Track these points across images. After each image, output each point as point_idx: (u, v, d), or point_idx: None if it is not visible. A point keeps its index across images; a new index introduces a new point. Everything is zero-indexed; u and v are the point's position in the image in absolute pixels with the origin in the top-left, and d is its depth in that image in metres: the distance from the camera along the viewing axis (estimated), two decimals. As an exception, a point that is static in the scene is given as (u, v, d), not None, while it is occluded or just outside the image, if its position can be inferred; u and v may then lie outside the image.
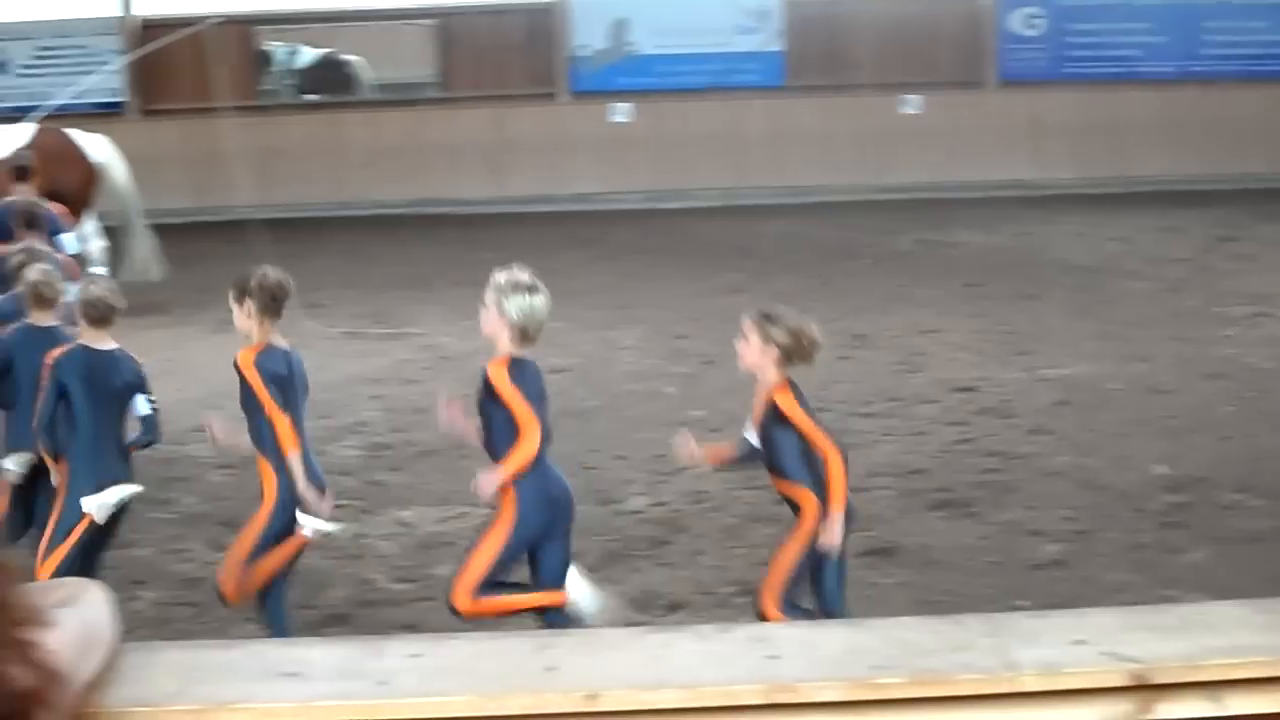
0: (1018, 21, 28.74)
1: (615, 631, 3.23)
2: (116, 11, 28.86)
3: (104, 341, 7.90)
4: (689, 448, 7.37)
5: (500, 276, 7.32)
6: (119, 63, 23.73)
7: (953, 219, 23.37)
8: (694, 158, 28.14)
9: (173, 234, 24.41)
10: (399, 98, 29.89)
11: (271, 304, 8.10)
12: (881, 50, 28.93)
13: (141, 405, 7.88)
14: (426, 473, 10.80)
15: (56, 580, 2.91)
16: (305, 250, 20.48)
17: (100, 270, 17.80)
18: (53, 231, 12.79)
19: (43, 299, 8.75)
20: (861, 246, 21.28)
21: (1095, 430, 11.68)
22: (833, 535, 7.05)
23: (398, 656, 2.86)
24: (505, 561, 7.20)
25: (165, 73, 29.04)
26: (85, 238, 18.06)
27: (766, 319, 7.20)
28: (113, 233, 18.69)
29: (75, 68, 26.75)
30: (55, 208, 13.99)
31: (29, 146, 17.72)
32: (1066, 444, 11.30)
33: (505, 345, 7.27)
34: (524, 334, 7.25)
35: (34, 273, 8.97)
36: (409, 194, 27.61)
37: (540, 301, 7.24)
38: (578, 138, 28.39)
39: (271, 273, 8.22)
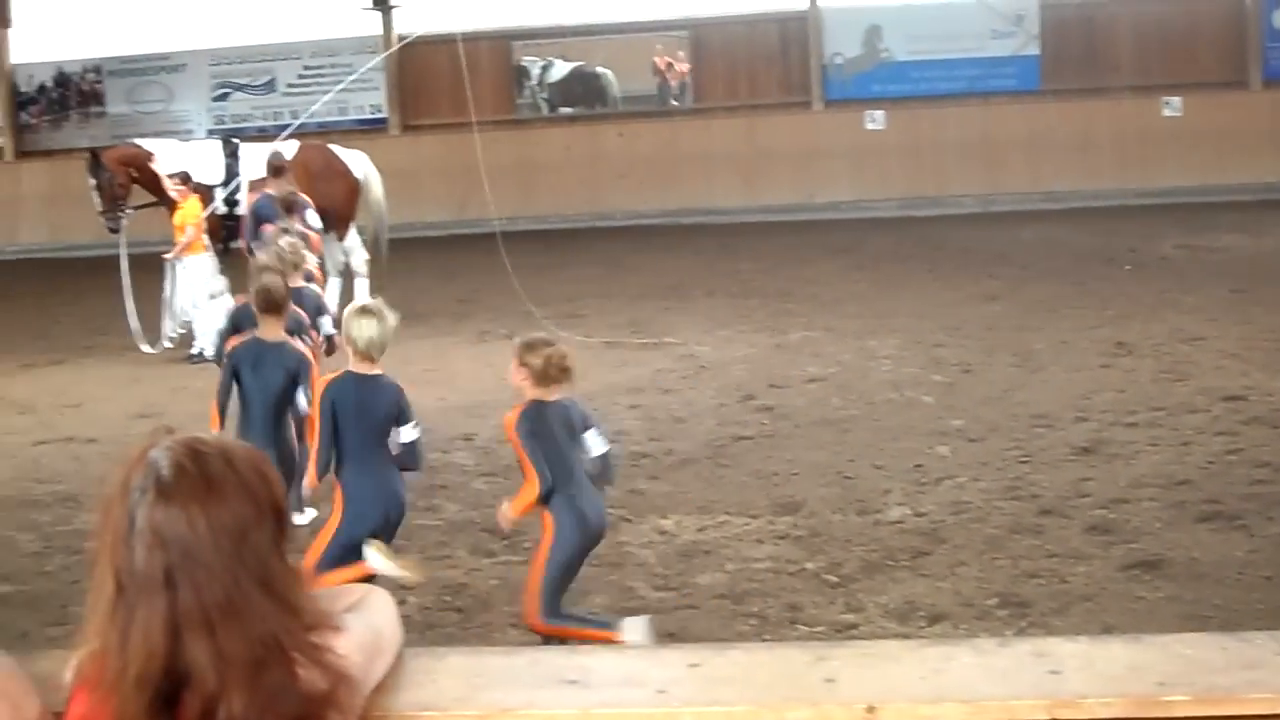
0: (1283, 19, 28.01)
1: (893, 644, 3.21)
2: (377, 30, 29.53)
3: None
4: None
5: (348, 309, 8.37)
6: (349, 79, 24.24)
7: (1216, 223, 22.80)
8: (949, 164, 27.93)
9: (433, 246, 24.96)
10: (653, 109, 30.12)
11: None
12: (1141, 52, 28.40)
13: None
14: (685, 481, 10.83)
15: (345, 586, 2.98)
16: (564, 260, 20.77)
17: (364, 280, 18.29)
18: (306, 214, 15.30)
19: (288, 264, 10.52)
20: (1121, 252, 20.89)
21: (1372, 441, 11.28)
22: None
23: (677, 665, 2.88)
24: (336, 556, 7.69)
25: (425, 89, 29.71)
26: (349, 250, 18.53)
27: (523, 345, 7.63)
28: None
29: (338, 85, 27.50)
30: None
31: (294, 160, 18.36)
32: (1341, 455, 10.92)
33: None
34: (360, 354, 8.04)
35: (284, 241, 11.12)
36: (664, 204, 27.81)
37: (370, 327, 7.98)
38: (831, 146, 28.36)
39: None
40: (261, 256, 10.98)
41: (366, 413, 7.97)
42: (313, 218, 15.57)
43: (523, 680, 2.87)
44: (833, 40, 29.40)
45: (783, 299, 18.40)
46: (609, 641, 7.24)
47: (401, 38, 29.23)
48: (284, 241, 11.57)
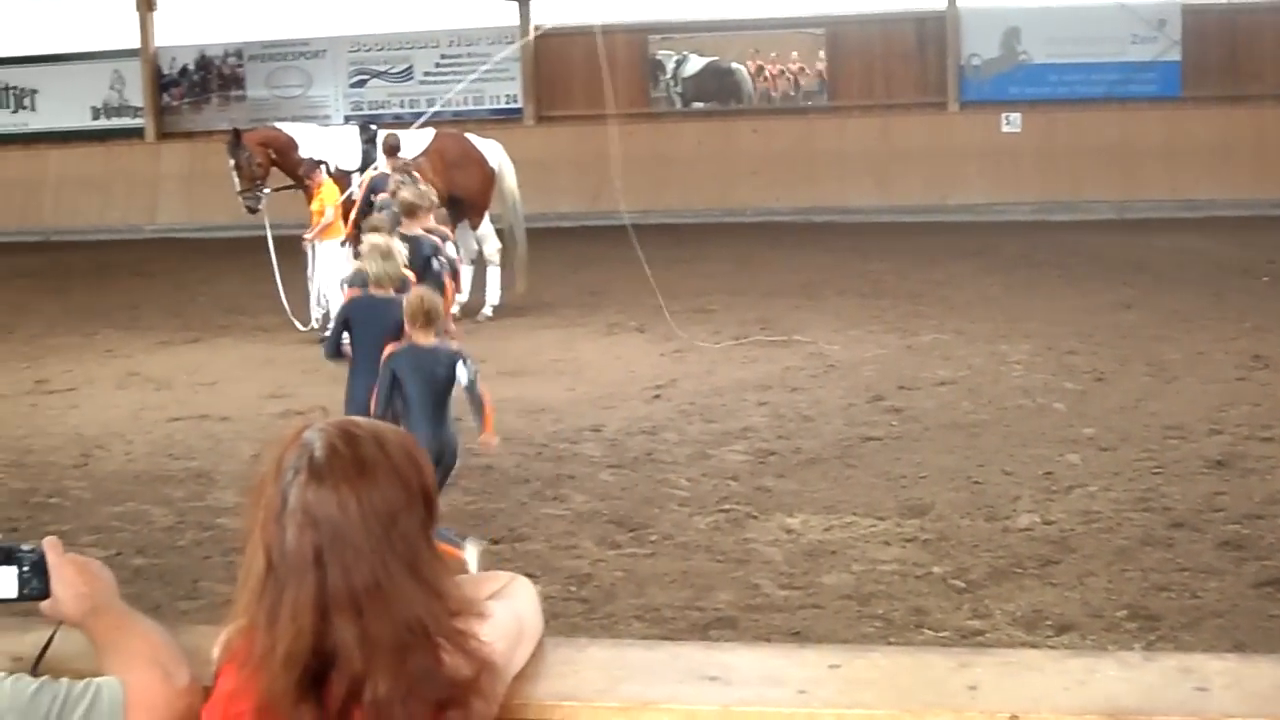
0: None
1: (1036, 653, 3.18)
2: (514, 21, 29.67)
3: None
4: None
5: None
6: (483, 68, 24.33)
7: (1359, 236, 22.39)
8: (1085, 169, 27.61)
9: (564, 237, 25.06)
10: (787, 106, 30.05)
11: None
12: (1285, 59, 27.94)
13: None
14: (812, 480, 10.80)
15: (490, 573, 3.01)
16: (694, 255, 20.77)
17: (496, 269, 18.43)
18: None
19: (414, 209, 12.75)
20: (1260, 264, 20.56)
21: None
22: None
23: (817, 666, 2.87)
24: None
25: (560, 80, 29.83)
26: (483, 238, 18.66)
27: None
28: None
29: (474, 74, 27.66)
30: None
31: (430, 147, 18.63)
32: None
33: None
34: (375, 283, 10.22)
35: (407, 191, 13.10)
36: (796, 201, 27.73)
37: (377, 263, 10.19)
38: (966, 147, 28.12)
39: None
40: (405, 193, 13.26)
41: (378, 323, 9.82)
42: None
43: (663, 674, 2.87)
44: (970, 41, 29.17)
45: (914, 300, 18.30)
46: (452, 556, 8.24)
47: (537, 28, 29.46)
48: (419, 188, 13.64)
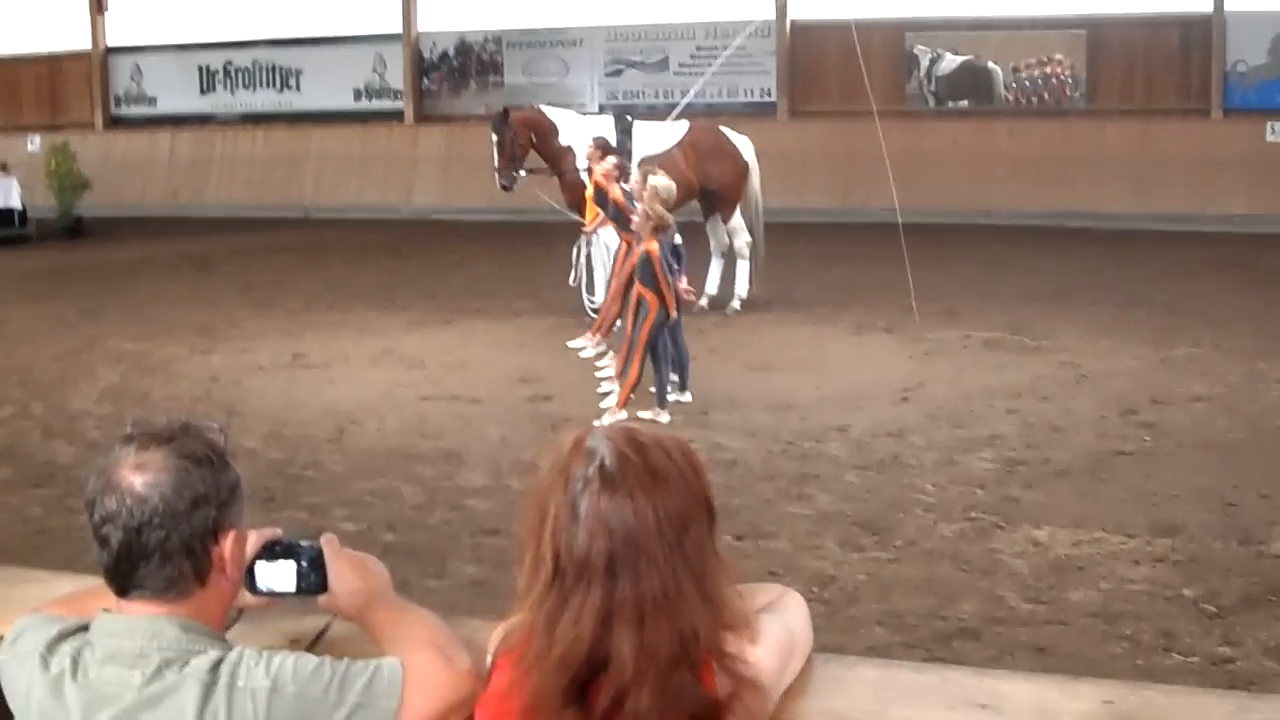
0: None
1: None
2: (770, 15, 29.62)
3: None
4: None
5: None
6: (722, 56, 24.28)
7: None
8: (1354, 181, 26.68)
9: (814, 233, 24.99)
10: (1044, 108, 29.59)
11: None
12: None
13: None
14: (1061, 492, 10.62)
15: (761, 585, 3.01)
16: (945, 256, 20.56)
17: (745, 264, 18.44)
18: None
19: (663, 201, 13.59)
20: None
21: None
22: None
23: (1091, 700, 2.83)
24: None
25: (814, 75, 29.73)
26: (734, 231, 18.70)
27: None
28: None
29: (729, 68, 27.65)
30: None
31: (685, 139, 18.74)
32: None
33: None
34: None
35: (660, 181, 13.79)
36: (1051, 205, 27.29)
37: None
38: (1229, 156, 27.36)
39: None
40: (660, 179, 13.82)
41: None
42: None
43: (933, 699, 2.85)
44: (1236, 46, 28.39)
45: (1169, 312, 17.84)
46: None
47: (795, 25, 29.42)
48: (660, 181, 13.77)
